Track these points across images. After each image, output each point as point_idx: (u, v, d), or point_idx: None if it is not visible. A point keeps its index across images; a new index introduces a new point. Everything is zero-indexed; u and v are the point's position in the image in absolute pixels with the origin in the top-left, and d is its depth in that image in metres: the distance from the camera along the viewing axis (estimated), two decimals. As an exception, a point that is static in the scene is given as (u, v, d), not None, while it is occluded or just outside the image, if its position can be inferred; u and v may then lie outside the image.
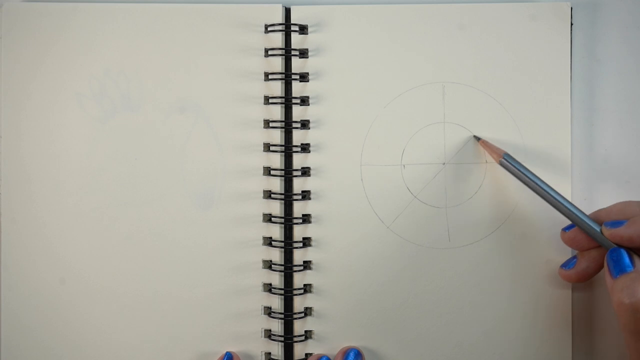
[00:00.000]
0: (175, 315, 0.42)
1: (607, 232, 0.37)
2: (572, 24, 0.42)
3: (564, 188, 0.42)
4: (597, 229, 0.37)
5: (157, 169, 0.42)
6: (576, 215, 0.38)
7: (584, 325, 0.42)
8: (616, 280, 0.35)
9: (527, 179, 0.39)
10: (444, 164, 0.42)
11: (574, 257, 0.40)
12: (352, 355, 0.41)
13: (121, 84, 0.43)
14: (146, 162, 0.43)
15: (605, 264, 0.36)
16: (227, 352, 0.41)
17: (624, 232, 0.36)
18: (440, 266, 0.42)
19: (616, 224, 0.37)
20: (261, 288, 0.42)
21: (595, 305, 0.43)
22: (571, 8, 0.42)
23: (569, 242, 0.39)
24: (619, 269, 0.35)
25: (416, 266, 0.42)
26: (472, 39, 0.42)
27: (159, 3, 0.43)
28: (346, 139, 0.42)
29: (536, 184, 0.39)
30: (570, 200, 0.42)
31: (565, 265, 0.40)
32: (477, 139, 0.42)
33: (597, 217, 0.38)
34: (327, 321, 0.42)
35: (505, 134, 0.42)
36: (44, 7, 0.43)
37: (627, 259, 0.35)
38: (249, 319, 0.42)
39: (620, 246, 0.36)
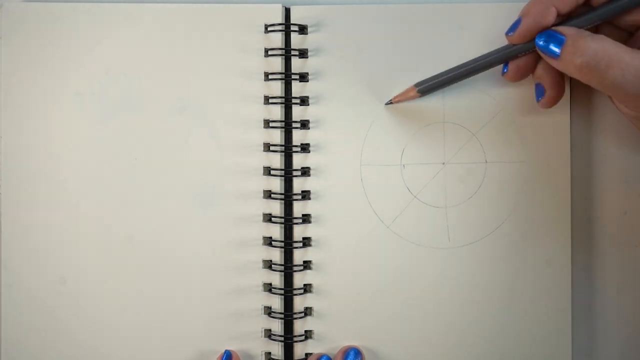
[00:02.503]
0: (175, 315, 0.42)
1: (513, 38, 0.37)
2: (572, 24, 0.42)
3: (564, 188, 0.42)
4: (510, 51, 0.38)
5: (157, 169, 0.42)
6: (496, 56, 0.39)
7: (584, 325, 0.42)
8: (561, 56, 0.35)
9: (447, 77, 0.40)
10: (444, 164, 0.42)
11: (537, 85, 0.40)
12: (352, 354, 0.41)
13: (121, 84, 0.43)
14: (146, 162, 0.43)
15: (543, 55, 0.36)
16: (226, 351, 0.41)
17: (524, 25, 0.36)
18: (440, 266, 0.42)
19: (513, 26, 0.37)
20: (261, 288, 0.42)
21: (595, 305, 0.43)
22: (571, 8, 0.42)
23: (515, 78, 0.39)
24: (556, 45, 0.35)
25: (416, 266, 0.42)
26: (472, 39, 0.42)
27: (159, 3, 0.43)
28: (346, 139, 0.42)
29: (456, 71, 0.39)
30: (570, 201, 0.42)
31: (537, 98, 0.40)
32: (389, 102, 0.42)
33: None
34: (327, 321, 0.42)
35: (505, 134, 0.42)
36: (44, 7, 0.43)
37: (553, 37, 0.35)
38: (249, 318, 0.42)
39: (551, 29, 0.36)
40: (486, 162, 0.42)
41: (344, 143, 0.42)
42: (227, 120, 0.42)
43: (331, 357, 0.41)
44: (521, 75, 0.39)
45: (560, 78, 0.39)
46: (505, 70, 0.39)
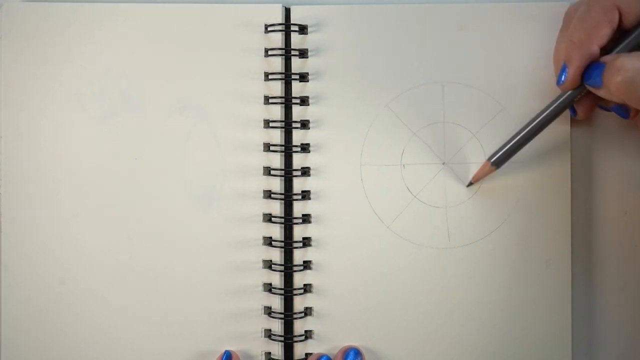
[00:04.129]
0: (175, 315, 0.42)
1: (565, 86, 0.37)
2: (572, 24, 0.42)
3: (564, 188, 0.42)
4: (566, 98, 0.38)
5: (157, 169, 0.42)
6: (552, 109, 0.39)
7: (584, 325, 0.42)
8: (603, 82, 0.35)
9: (514, 144, 0.40)
10: (444, 164, 0.42)
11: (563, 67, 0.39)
12: (352, 354, 0.41)
13: (121, 84, 0.43)
14: (146, 162, 0.43)
15: (592, 90, 0.37)
16: (226, 351, 0.41)
17: (572, 72, 0.36)
18: (440, 266, 0.42)
19: (561, 74, 0.37)
20: (261, 288, 0.42)
21: (595, 305, 0.43)
22: (571, 8, 0.42)
23: (588, 115, 0.40)
24: (597, 75, 0.35)
25: (416, 266, 0.42)
26: (472, 39, 0.42)
27: (159, 3, 0.43)
28: (346, 139, 0.42)
29: (528, 131, 0.39)
30: (570, 201, 0.42)
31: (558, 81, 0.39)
32: (470, 184, 0.42)
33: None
34: (327, 321, 0.42)
35: (506, 134, 0.42)
36: (44, 7, 0.43)
37: (592, 66, 0.36)
38: (249, 318, 0.42)
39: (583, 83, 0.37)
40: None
41: (344, 143, 0.42)
42: (227, 120, 0.42)
43: (331, 357, 0.41)
44: (592, 110, 0.40)
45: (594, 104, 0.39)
46: (574, 116, 0.40)
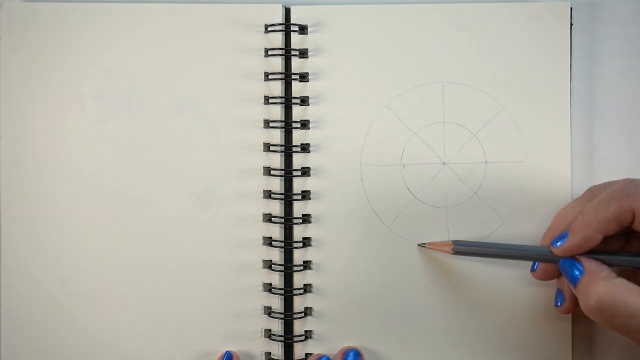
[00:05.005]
0: (175, 315, 0.42)
1: (557, 251, 0.37)
2: (571, 24, 0.42)
3: (564, 188, 0.42)
4: (541, 255, 0.38)
5: (157, 169, 0.42)
6: (531, 253, 0.39)
7: (584, 325, 0.42)
8: (576, 290, 0.36)
9: (483, 250, 0.39)
10: (444, 164, 0.42)
11: (558, 290, 0.40)
12: (351, 355, 0.41)
13: (121, 84, 0.43)
14: (146, 162, 0.43)
15: (564, 275, 0.37)
16: (226, 352, 0.41)
17: (569, 243, 0.36)
18: (440, 266, 0.42)
19: (560, 238, 0.37)
20: (261, 288, 0.42)
21: (595, 305, 0.43)
22: (571, 8, 0.42)
23: (542, 278, 0.39)
24: (572, 277, 0.36)
25: (416, 266, 0.42)
26: (472, 39, 0.42)
27: (159, 3, 0.43)
28: (346, 139, 0.42)
29: (493, 249, 0.39)
30: (570, 200, 0.42)
31: (556, 303, 0.40)
32: (422, 245, 0.42)
33: (548, 236, 0.39)
34: (327, 321, 0.42)
35: (505, 134, 0.42)
36: (44, 7, 0.43)
37: (573, 268, 0.36)
38: (249, 319, 0.42)
39: (574, 257, 0.36)
40: (486, 162, 0.42)
41: (344, 143, 0.42)
42: (227, 120, 0.42)
43: (331, 357, 0.41)
44: (548, 278, 0.39)
45: None
46: (534, 269, 0.40)
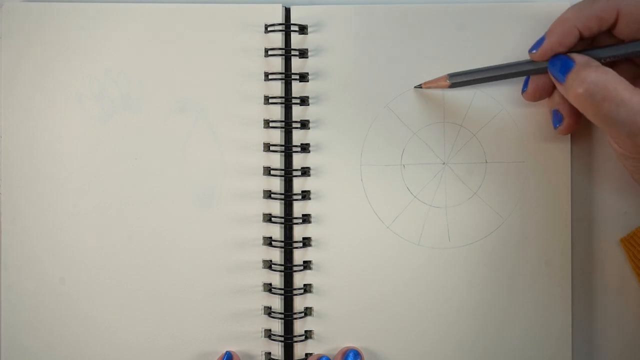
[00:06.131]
0: (175, 315, 0.42)
1: (536, 55, 0.37)
2: (572, 24, 0.42)
3: (564, 188, 0.42)
4: (532, 66, 0.38)
5: (157, 168, 0.42)
6: (524, 66, 0.39)
7: (584, 325, 0.42)
8: (565, 82, 0.35)
9: (478, 75, 0.40)
10: (444, 164, 0.42)
11: (554, 111, 0.39)
12: (351, 355, 0.41)
13: (121, 84, 0.43)
14: (146, 162, 0.43)
15: (552, 78, 0.37)
16: (226, 352, 0.41)
17: (548, 43, 0.36)
18: (440, 266, 0.42)
19: (537, 44, 0.37)
20: (261, 288, 0.42)
21: (595, 306, 0.43)
22: (571, 8, 0.42)
23: (533, 97, 0.39)
24: (563, 70, 0.35)
25: (416, 266, 0.42)
26: (472, 39, 0.42)
27: (160, 3, 0.43)
28: (346, 139, 0.42)
29: (487, 72, 0.40)
30: (570, 201, 0.42)
31: (555, 124, 0.40)
32: (419, 86, 0.42)
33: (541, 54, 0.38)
34: (327, 321, 0.42)
35: (505, 134, 0.42)
36: (44, 7, 0.43)
37: (564, 62, 0.35)
38: (249, 319, 0.42)
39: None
40: (486, 162, 0.42)
41: (344, 143, 0.42)
42: (227, 120, 0.42)
43: (331, 357, 0.41)
44: (539, 96, 0.39)
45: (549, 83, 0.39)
46: (524, 89, 0.39)
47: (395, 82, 0.42)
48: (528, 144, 0.42)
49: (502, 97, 0.42)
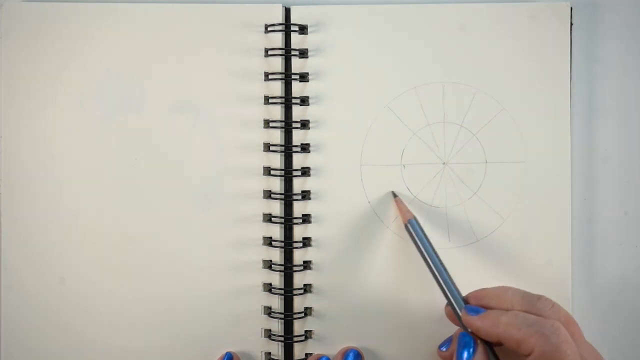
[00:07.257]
0: (175, 315, 0.42)
1: (463, 317, 0.36)
2: (571, 24, 0.42)
3: (564, 188, 0.42)
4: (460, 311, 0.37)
5: (157, 169, 0.42)
6: (451, 295, 0.37)
7: (584, 325, 0.42)
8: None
9: (423, 249, 0.39)
10: (444, 164, 0.42)
11: (450, 337, 0.39)
12: (351, 355, 0.41)
13: (121, 84, 0.43)
14: (146, 162, 0.43)
15: (455, 342, 0.36)
16: (227, 352, 0.41)
17: (474, 322, 0.35)
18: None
19: (474, 311, 0.36)
20: (261, 288, 0.42)
21: (595, 306, 0.43)
22: (571, 8, 0.42)
23: (449, 317, 0.38)
24: (460, 356, 0.35)
25: (416, 266, 0.42)
26: (472, 39, 0.42)
27: (159, 3, 0.43)
28: (346, 139, 0.42)
29: (430, 256, 0.38)
30: (570, 201, 0.42)
31: (441, 345, 0.39)
32: (394, 195, 0.42)
33: (476, 297, 0.37)
34: (327, 321, 0.42)
35: (505, 134, 0.42)
36: (44, 7, 0.43)
37: (465, 348, 0.35)
38: (249, 319, 0.42)
39: (474, 334, 0.35)
40: (486, 162, 0.42)
41: (344, 143, 0.42)
42: (227, 120, 0.42)
43: (331, 357, 0.41)
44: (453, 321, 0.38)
45: None
46: (446, 347, 0.39)
47: (395, 82, 0.42)
48: (528, 144, 0.42)
49: (502, 97, 0.42)
